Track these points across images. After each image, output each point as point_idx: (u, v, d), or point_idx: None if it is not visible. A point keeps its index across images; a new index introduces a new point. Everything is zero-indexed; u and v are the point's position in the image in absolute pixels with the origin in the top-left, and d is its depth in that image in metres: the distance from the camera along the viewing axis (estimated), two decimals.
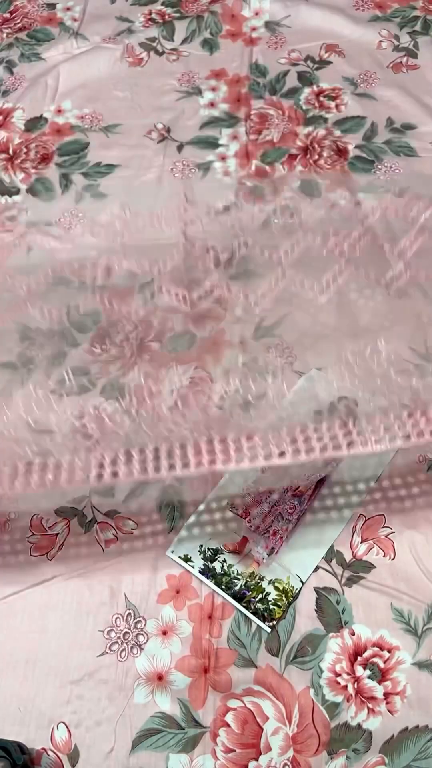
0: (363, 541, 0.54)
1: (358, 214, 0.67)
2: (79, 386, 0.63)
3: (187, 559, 0.54)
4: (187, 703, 0.49)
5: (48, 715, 0.49)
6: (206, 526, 0.55)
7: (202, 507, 0.56)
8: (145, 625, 0.52)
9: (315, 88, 0.85)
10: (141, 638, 0.51)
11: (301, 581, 0.53)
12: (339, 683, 0.49)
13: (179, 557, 0.54)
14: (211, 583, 0.53)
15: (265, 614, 0.51)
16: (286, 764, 0.47)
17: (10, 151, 0.83)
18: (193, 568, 0.54)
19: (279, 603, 0.52)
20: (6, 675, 0.51)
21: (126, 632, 0.52)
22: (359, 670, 0.49)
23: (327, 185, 0.75)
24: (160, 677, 0.50)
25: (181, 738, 0.48)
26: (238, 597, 0.52)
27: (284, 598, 0.52)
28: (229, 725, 0.48)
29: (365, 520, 0.55)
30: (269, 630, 0.51)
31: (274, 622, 0.51)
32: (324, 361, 0.63)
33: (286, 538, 0.55)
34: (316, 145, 0.80)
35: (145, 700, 0.49)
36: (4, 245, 0.74)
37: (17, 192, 0.79)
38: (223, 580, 0.53)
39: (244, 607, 0.52)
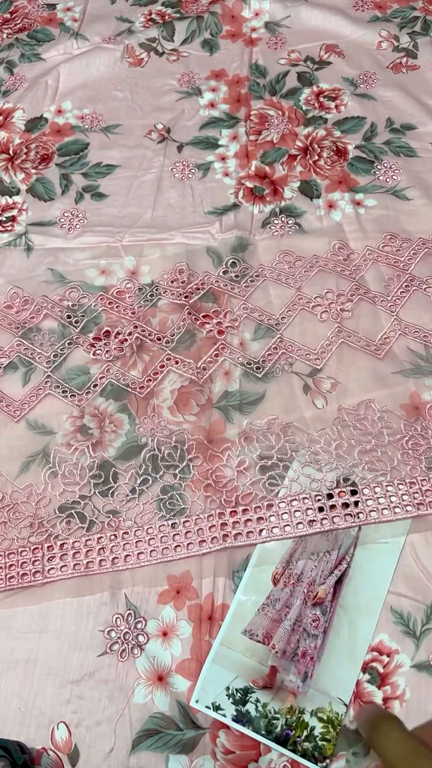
0: None
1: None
2: (79, 386, 0.63)
3: (216, 708, 0.48)
4: (186, 705, 0.49)
5: (48, 715, 0.50)
6: (227, 664, 0.50)
7: (217, 643, 0.51)
8: (145, 625, 0.52)
9: (315, 88, 0.85)
10: (141, 638, 0.51)
11: (344, 704, 0.48)
12: None
13: (206, 707, 0.48)
14: (249, 731, 0.47)
15: (316, 753, 0.46)
16: (285, 766, 0.47)
17: (11, 152, 0.83)
18: (225, 716, 0.48)
19: (327, 736, 0.47)
20: (6, 675, 0.51)
21: (126, 632, 0.52)
22: (359, 675, 0.49)
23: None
24: (160, 678, 0.50)
25: (180, 739, 0.48)
26: (282, 740, 0.47)
27: (332, 729, 0.47)
28: (228, 727, 0.48)
29: None
30: None
31: (327, 762, 0.46)
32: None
33: (318, 657, 0.49)
34: (316, 146, 0.80)
35: (145, 700, 0.49)
36: (3, 245, 0.74)
37: (17, 192, 0.79)
38: (261, 724, 0.47)
39: (291, 750, 0.47)
